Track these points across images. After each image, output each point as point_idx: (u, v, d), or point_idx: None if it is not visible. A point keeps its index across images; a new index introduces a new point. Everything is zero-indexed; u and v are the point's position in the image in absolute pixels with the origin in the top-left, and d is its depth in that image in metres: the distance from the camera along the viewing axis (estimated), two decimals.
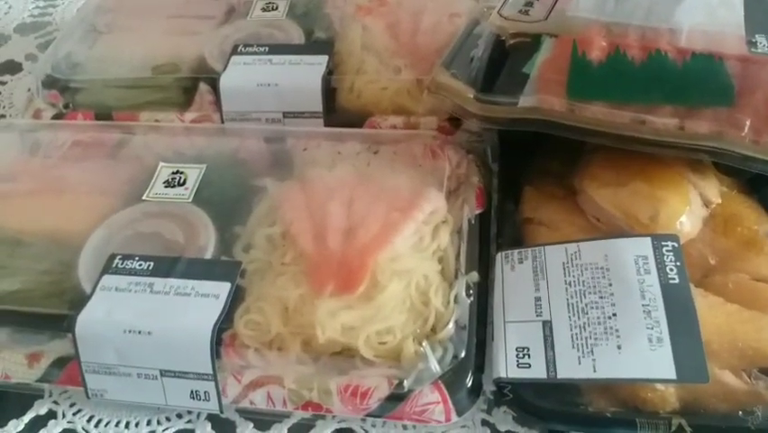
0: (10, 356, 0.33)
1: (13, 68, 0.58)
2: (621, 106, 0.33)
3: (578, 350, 0.29)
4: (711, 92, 0.33)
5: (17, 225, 0.38)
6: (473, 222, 0.36)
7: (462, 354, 0.30)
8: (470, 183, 0.38)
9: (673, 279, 0.30)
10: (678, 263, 0.30)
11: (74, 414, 0.34)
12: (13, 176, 0.41)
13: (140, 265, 0.33)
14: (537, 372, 0.29)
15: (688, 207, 0.33)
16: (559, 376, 0.29)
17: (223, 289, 0.32)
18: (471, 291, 0.33)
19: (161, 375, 0.31)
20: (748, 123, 0.31)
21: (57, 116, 0.46)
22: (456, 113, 0.37)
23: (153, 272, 0.33)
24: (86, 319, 0.31)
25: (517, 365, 0.29)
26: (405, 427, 0.32)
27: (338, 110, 0.44)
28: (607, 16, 0.38)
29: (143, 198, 0.37)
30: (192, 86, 0.46)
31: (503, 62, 0.38)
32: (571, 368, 0.29)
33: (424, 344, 0.30)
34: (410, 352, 0.31)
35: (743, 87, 0.33)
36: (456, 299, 0.32)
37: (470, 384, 0.30)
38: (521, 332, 0.30)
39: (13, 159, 0.43)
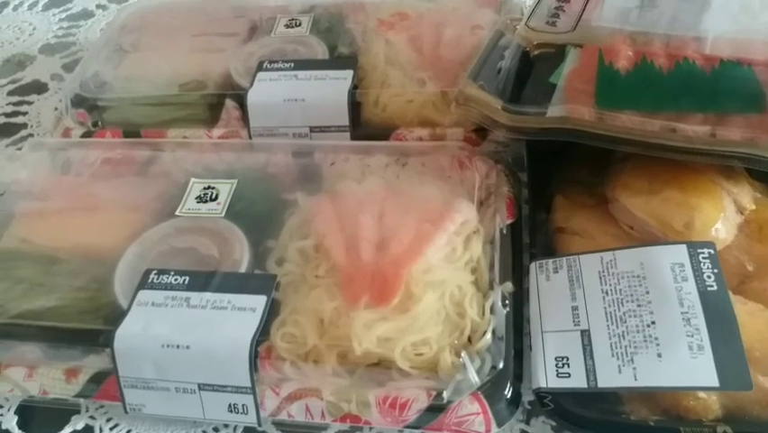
0: (47, 372, 0.33)
1: (39, 88, 0.59)
2: (651, 115, 0.33)
3: (618, 359, 0.29)
4: (741, 99, 0.33)
5: (51, 243, 0.38)
6: (505, 232, 0.36)
7: (501, 365, 0.30)
8: (500, 193, 0.38)
9: (711, 286, 0.30)
10: (715, 270, 0.30)
11: (111, 429, 0.34)
12: (45, 194, 0.42)
13: (175, 280, 0.33)
14: (577, 381, 0.29)
15: (722, 214, 0.33)
16: (599, 385, 0.28)
17: (259, 302, 0.32)
18: (507, 301, 0.33)
19: (199, 389, 0.31)
20: None
21: (86, 135, 0.47)
22: (485, 124, 0.37)
23: (189, 287, 0.33)
24: (124, 334, 0.32)
25: (557, 375, 0.29)
26: None
27: (364, 124, 0.44)
28: (631, 25, 0.39)
29: (177, 213, 0.38)
30: (218, 102, 0.47)
31: (530, 73, 0.38)
32: (611, 377, 0.28)
33: (462, 354, 0.30)
34: (447, 363, 0.31)
35: None
36: (492, 310, 0.32)
37: (509, 395, 0.30)
38: (559, 341, 0.30)
39: (45, 177, 0.43)
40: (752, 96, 0.33)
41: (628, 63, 0.36)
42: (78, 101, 0.48)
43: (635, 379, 0.28)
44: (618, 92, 0.35)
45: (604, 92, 0.35)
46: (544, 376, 0.29)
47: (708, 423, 0.28)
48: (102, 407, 0.35)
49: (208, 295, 0.33)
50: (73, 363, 0.33)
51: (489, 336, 0.31)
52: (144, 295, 0.33)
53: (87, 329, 0.34)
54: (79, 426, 0.35)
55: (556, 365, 0.30)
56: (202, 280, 0.33)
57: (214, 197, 0.38)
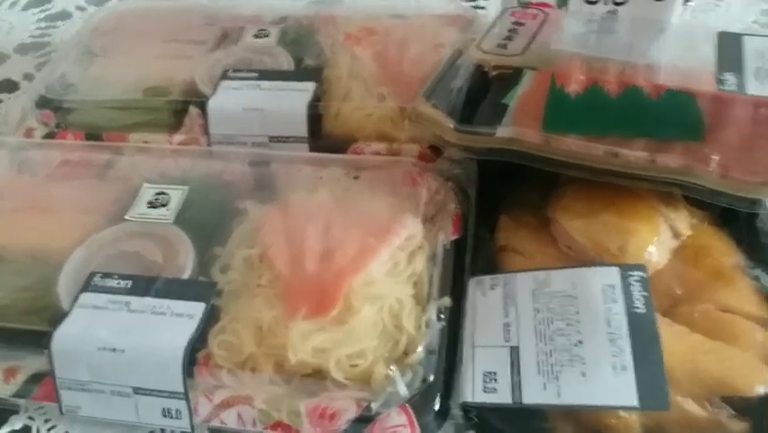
0: None
1: (9, 86, 0.59)
2: (595, 139, 0.34)
3: (543, 376, 0.29)
4: (683, 127, 0.34)
5: (2, 242, 0.38)
6: (448, 248, 0.36)
7: (431, 378, 0.31)
8: (447, 210, 0.38)
9: (639, 308, 0.30)
10: (644, 293, 0.31)
11: (48, 430, 0.35)
12: (5, 194, 0.42)
13: (118, 284, 0.34)
14: (503, 397, 0.29)
15: (657, 238, 0.33)
16: (524, 402, 0.29)
17: (197, 309, 0.33)
18: (443, 316, 0.33)
19: (134, 393, 0.31)
20: (717, 158, 0.32)
21: (48, 135, 0.47)
22: (436, 142, 0.38)
23: (131, 291, 0.33)
24: (63, 336, 0.32)
25: (484, 390, 0.30)
26: None
27: (324, 135, 0.45)
28: (588, 50, 0.40)
29: (126, 217, 0.38)
30: (182, 108, 0.47)
31: (483, 94, 0.39)
32: (535, 394, 0.29)
33: (392, 367, 0.31)
34: (381, 375, 0.31)
35: (713, 124, 0.34)
36: (428, 324, 0.33)
37: (437, 408, 0.30)
38: (489, 357, 0.31)
39: (1, 176, 0.43)
40: (692, 125, 0.34)
41: (579, 87, 0.37)
42: (43, 102, 0.48)
43: (559, 396, 0.29)
44: (566, 115, 0.36)
45: (552, 115, 0.35)
46: (471, 390, 0.30)
47: None
48: (41, 408, 0.35)
49: (148, 300, 0.33)
50: (12, 363, 0.34)
51: (421, 349, 0.32)
52: (86, 298, 0.33)
53: (28, 330, 0.34)
54: (17, 426, 0.35)
55: (484, 380, 0.30)
56: (144, 285, 0.34)
57: (164, 202, 0.39)
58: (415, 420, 0.30)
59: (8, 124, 0.54)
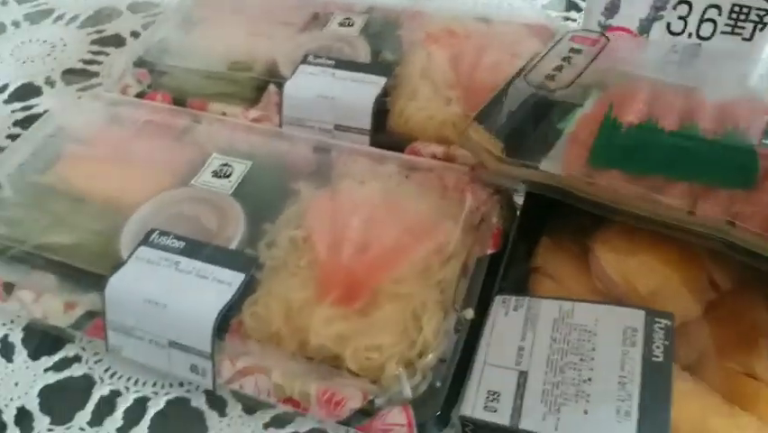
0: (50, 301, 0.38)
1: (118, 42, 0.64)
2: (637, 179, 0.33)
3: (545, 405, 0.30)
4: (732, 171, 0.32)
5: (83, 186, 0.43)
6: (483, 261, 0.37)
7: (437, 385, 0.32)
8: (490, 223, 0.39)
9: (657, 357, 0.30)
10: (666, 342, 0.30)
11: (95, 362, 0.39)
12: (90, 141, 0.46)
13: (172, 243, 0.37)
14: (502, 417, 0.30)
15: (692, 288, 0.33)
16: (521, 427, 0.29)
17: (236, 278, 0.35)
18: (461, 327, 0.34)
19: (169, 345, 0.34)
20: (760, 215, 0.30)
21: (140, 94, 0.51)
22: (482, 165, 0.38)
23: (182, 252, 0.36)
24: (117, 283, 0.35)
25: (484, 407, 0.31)
26: None
27: (387, 131, 0.46)
28: (665, 77, 0.38)
29: (191, 183, 0.41)
30: (263, 85, 0.50)
31: (540, 119, 0.38)
32: (534, 421, 0.29)
33: (399, 368, 0.32)
34: (392, 372, 0.33)
35: (765, 176, 0.32)
36: (445, 332, 0.34)
37: (437, 415, 0.32)
38: (497, 376, 0.32)
39: (94, 127, 0.48)
40: (744, 171, 0.32)
41: (636, 118, 0.36)
42: (140, 62, 0.53)
43: (556, 429, 0.29)
44: (615, 148, 0.34)
45: (601, 146, 0.34)
46: (472, 405, 0.31)
47: None
48: (91, 341, 0.39)
49: (196, 263, 0.36)
50: (72, 298, 0.37)
51: (433, 355, 0.33)
52: (143, 251, 0.37)
53: (91, 271, 0.38)
54: (71, 353, 0.39)
55: (486, 398, 0.31)
56: (195, 248, 0.37)
57: (228, 174, 0.41)
58: (414, 422, 0.31)
59: (111, 77, 0.59)
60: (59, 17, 0.68)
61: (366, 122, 0.45)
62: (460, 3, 0.63)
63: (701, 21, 0.40)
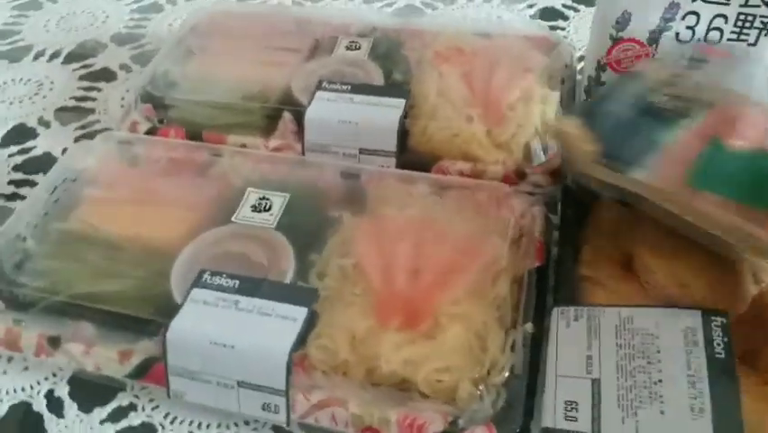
0: (103, 351, 0.37)
1: (108, 76, 0.62)
2: (738, 208, 0.32)
3: (623, 410, 0.31)
4: None
5: (115, 231, 0.42)
6: (532, 274, 0.38)
7: (515, 400, 0.33)
8: (532, 235, 0.40)
9: (720, 354, 0.32)
10: (725, 339, 0.32)
11: (152, 409, 0.38)
12: (111, 184, 0.45)
13: (227, 282, 0.37)
14: (583, 426, 0.31)
15: (740, 287, 0.35)
16: (602, 432, 0.31)
17: (300, 313, 0.35)
18: (527, 341, 0.35)
19: (238, 385, 0.34)
20: None
21: (151, 130, 0.50)
22: (569, 170, 0.37)
23: (239, 291, 0.36)
24: (178, 327, 0.35)
25: (565, 418, 0.32)
26: None
27: (409, 151, 0.47)
28: None
29: (233, 219, 0.41)
30: (276, 114, 0.50)
31: (644, 125, 0.36)
32: (614, 427, 0.31)
33: (481, 387, 0.33)
34: (465, 392, 0.34)
35: None
36: (513, 348, 0.35)
37: (518, 429, 0.33)
38: (571, 387, 0.33)
39: (113, 168, 0.47)
40: None
41: (746, 143, 0.34)
42: (147, 97, 0.52)
43: (636, 431, 0.30)
44: (718, 171, 0.33)
45: (702, 166, 0.33)
46: (553, 417, 0.32)
47: None
48: (144, 388, 0.39)
49: (255, 300, 0.36)
50: (126, 347, 0.37)
51: (506, 372, 0.34)
52: (198, 293, 0.36)
53: (143, 318, 0.37)
54: (125, 402, 0.38)
55: (565, 408, 0.32)
56: (251, 286, 0.36)
57: (267, 207, 0.41)
58: None
59: (108, 113, 0.58)
60: (40, 53, 0.66)
61: (392, 144, 0.46)
62: (451, 18, 0.65)
63: (709, 29, 0.43)
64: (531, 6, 0.67)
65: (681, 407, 0.31)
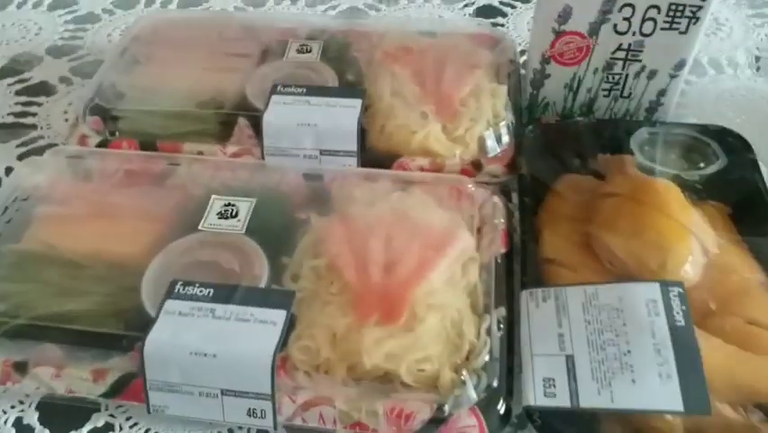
0: (75, 372, 0.36)
1: (47, 90, 0.60)
2: None
3: (597, 382, 0.33)
4: None
5: (74, 248, 0.40)
6: (500, 260, 0.40)
7: (495, 383, 0.34)
8: (496, 223, 0.42)
9: (680, 321, 0.34)
10: (683, 307, 0.35)
11: (130, 427, 0.37)
12: (66, 200, 0.44)
13: (200, 291, 0.36)
14: (562, 400, 0.33)
15: (691, 256, 0.37)
16: (581, 405, 0.33)
17: (279, 316, 0.35)
18: (501, 325, 0.36)
19: (222, 394, 0.34)
20: None
21: (102, 143, 0.49)
22: None
23: (214, 299, 0.36)
24: (154, 340, 0.34)
25: (544, 394, 0.33)
26: None
27: (368, 150, 0.48)
28: None
29: (199, 227, 0.40)
30: (230, 120, 0.49)
31: None
32: (591, 398, 0.33)
33: (464, 372, 0.34)
34: (446, 379, 0.35)
35: None
36: (488, 332, 0.36)
37: (502, 410, 0.34)
38: (547, 364, 0.34)
39: (65, 184, 0.45)
40: None
41: None
42: (95, 110, 0.50)
43: (612, 401, 0.32)
44: None
45: None
46: (533, 395, 0.33)
47: None
48: (120, 406, 0.38)
49: (232, 307, 0.36)
50: (99, 366, 0.36)
51: (485, 356, 0.35)
52: (171, 304, 0.36)
53: (113, 333, 0.36)
54: (100, 423, 0.37)
55: (544, 385, 0.34)
56: (225, 293, 0.36)
57: (234, 213, 0.41)
58: (484, 421, 0.33)
59: (52, 128, 0.56)
60: None
61: (353, 144, 0.47)
62: (395, 19, 0.66)
63: (643, 20, 0.45)
64: (470, 5, 0.69)
65: (650, 374, 0.33)
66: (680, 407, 0.32)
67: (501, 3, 0.69)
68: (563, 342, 0.35)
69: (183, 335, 0.34)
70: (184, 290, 0.36)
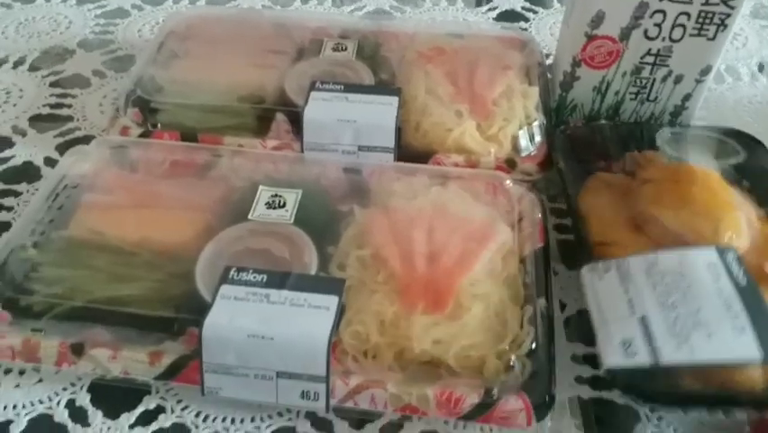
0: (131, 355, 0.37)
1: (82, 82, 0.61)
2: None
3: (674, 338, 0.34)
4: None
5: (124, 237, 0.41)
6: (538, 253, 0.41)
7: (540, 369, 0.36)
8: (531, 218, 0.43)
9: (742, 281, 0.36)
10: (742, 268, 0.36)
11: (182, 409, 0.38)
12: (112, 189, 0.45)
13: (254, 278, 0.37)
14: (643, 359, 0.34)
15: (741, 225, 0.39)
16: (661, 362, 0.33)
17: (331, 302, 0.37)
18: (542, 315, 0.38)
19: (277, 376, 0.35)
20: None
21: (144, 134, 0.50)
22: None
23: (267, 284, 0.37)
24: (212, 323, 0.35)
25: (625, 355, 0.34)
26: (482, 429, 0.37)
27: (404, 146, 0.49)
28: None
29: (249, 217, 0.42)
30: (267, 114, 0.51)
31: None
32: (671, 354, 0.33)
33: (512, 358, 0.35)
34: (491, 366, 0.36)
35: None
36: (530, 321, 0.37)
37: (546, 395, 0.35)
38: (621, 328, 0.35)
39: (112, 173, 0.46)
40: None
41: None
42: (136, 102, 0.51)
43: (692, 354, 0.33)
44: None
45: None
46: (613, 357, 0.34)
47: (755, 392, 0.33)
48: (170, 389, 0.39)
49: (285, 293, 0.37)
50: (154, 348, 0.37)
51: (530, 343, 0.36)
52: (227, 289, 0.37)
53: (168, 318, 0.37)
54: (151, 405, 0.38)
55: (623, 347, 0.35)
56: (278, 279, 0.37)
57: (282, 204, 0.42)
58: (531, 405, 0.35)
59: (88, 119, 0.57)
60: (3, 60, 0.63)
61: (390, 140, 0.48)
62: (422, 21, 0.68)
63: (673, 26, 0.47)
64: (493, 9, 0.71)
65: (724, 329, 0.34)
66: (757, 356, 0.33)
67: (523, 8, 0.71)
68: (633, 306, 0.36)
69: (240, 318, 0.36)
70: (238, 275, 0.38)
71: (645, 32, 0.48)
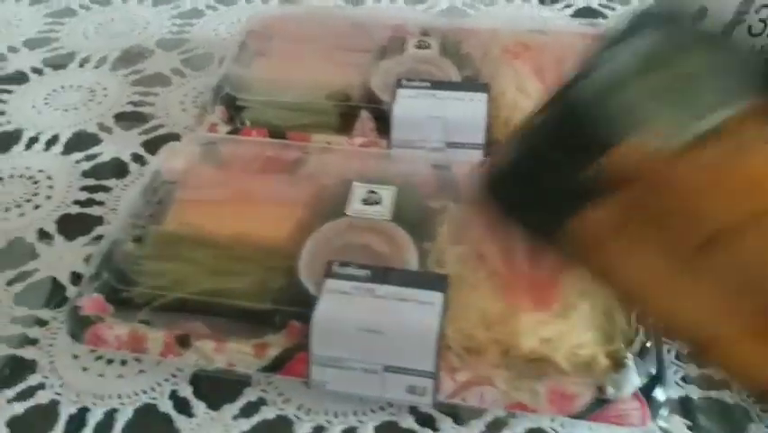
0: (238, 347, 0.37)
1: (162, 80, 0.62)
2: None
3: None
4: None
5: (220, 232, 0.42)
6: None
7: (653, 369, 0.35)
8: None
9: None
10: None
11: (283, 402, 0.38)
12: (206, 185, 0.46)
13: (358, 272, 0.37)
14: None
15: None
16: None
17: (437, 297, 0.36)
18: None
19: (384, 370, 0.35)
20: None
21: (233, 132, 0.51)
22: None
23: (372, 279, 0.37)
24: (322, 316, 0.35)
25: None
26: (590, 428, 0.36)
27: (493, 143, 0.49)
28: None
29: (346, 213, 0.42)
30: (351, 112, 0.51)
31: None
32: None
33: (628, 357, 0.34)
34: (601, 365, 0.35)
35: None
36: (638, 318, 0.37)
37: (660, 394, 0.34)
38: None
39: (205, 169, 0.47)
40: None
41: None
42: (223, 99, 0.52)
43: None
44: None
45: None
46: None
47: None
48: (271, 382, 0.39)
49: (390, 288, 0.37)
50: (260, 340, 0.37)
51: (641, 341, 0.35)
52: (332, 283, 0.37)
53: (271, 310, 0.37)
54: (253, 397, 0.38)
55: None
56: (382, 274, 0.37)
57: (378, 200, 0.42)
58: (646, 405, 0.34)
59: (170, 117, 0.58)
60: (85, 60, 0.65)
61: (480, 137, 0.48)
62: (499, 18, 0.68)
63: None
64: (569, 6, 0.70)
65: None
66: None
67: (600, 5, 0.70)
68: None
69: (348, 312, 0.36)
70: (342, 270, 0.38)
71: (750, 28, 0.46)
